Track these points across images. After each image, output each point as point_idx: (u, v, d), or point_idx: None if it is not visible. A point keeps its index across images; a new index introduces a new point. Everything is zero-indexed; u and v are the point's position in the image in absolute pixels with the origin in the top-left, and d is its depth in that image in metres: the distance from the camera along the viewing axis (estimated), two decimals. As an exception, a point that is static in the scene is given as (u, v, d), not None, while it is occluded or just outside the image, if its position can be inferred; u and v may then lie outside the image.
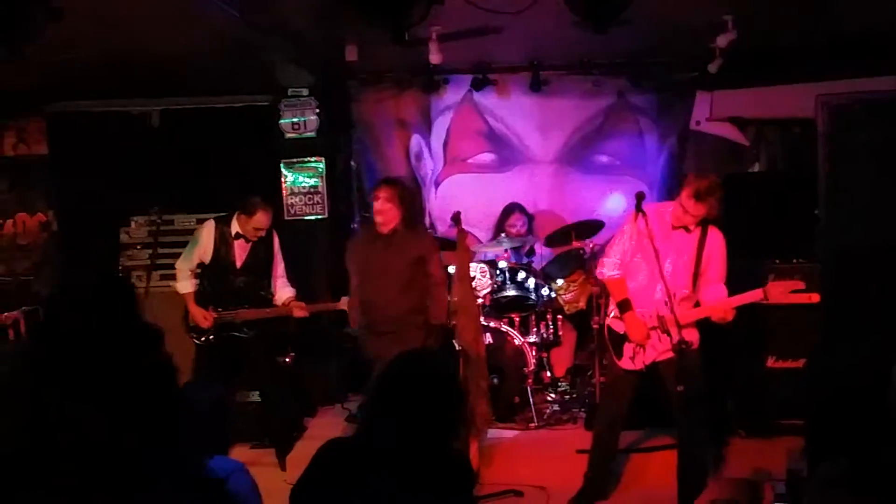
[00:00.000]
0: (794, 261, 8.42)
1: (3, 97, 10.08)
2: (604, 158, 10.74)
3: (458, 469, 3.78)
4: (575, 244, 9.78)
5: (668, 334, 6.47)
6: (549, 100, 10.59)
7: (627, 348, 6.82)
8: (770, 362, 8.35)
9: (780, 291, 6.51)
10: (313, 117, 10.29)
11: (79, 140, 10.47)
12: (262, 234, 8.45)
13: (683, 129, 10.52)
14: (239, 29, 7.51)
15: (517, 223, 10.09)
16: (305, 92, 10.30)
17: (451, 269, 8.23)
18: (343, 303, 8.03)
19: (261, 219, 8.36)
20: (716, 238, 6.80)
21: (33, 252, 10.58)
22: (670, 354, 6.45)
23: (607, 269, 6.92)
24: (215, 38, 7.84)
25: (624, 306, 6.77)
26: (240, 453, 5.79)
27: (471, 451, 6.93)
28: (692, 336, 6.67)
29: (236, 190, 9.28)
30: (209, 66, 9.10)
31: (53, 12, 5.94)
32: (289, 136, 10.35)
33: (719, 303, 6.62)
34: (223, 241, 8.47)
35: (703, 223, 6.75)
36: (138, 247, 9.90)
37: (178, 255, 9.17)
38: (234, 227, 8.44)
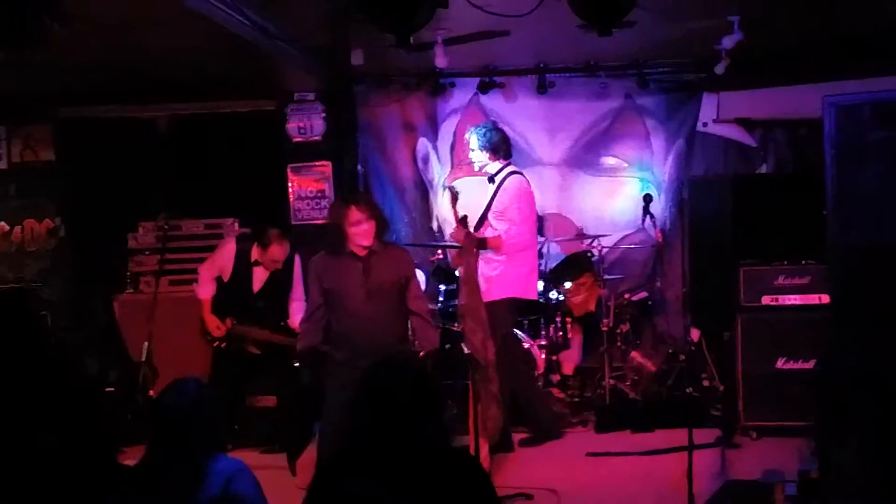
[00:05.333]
0: (803, 262, 8.42)
1: (11, 104, 10.11)
2: (611, 160, 10.70)
3: (468, 468, 3.80)
4: (583, 247, 9.79)
5: None
6: (556, 102, 10.57)
7: None
8: (780, 363, 8.33)
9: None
10: (319, 121, 10.28)
11: (86, 146, 10.51)
12: (280, 266, 8.52)
13: (690, 131, 10.48)
14: (246, 34, 7.52)
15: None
16: (311, 96, 10.30)
17: (459, 272, 8.25)
18: None
19: (276, 251, 8.45)
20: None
21: (41, 258, 10.59)
22: None
23: None
24: (222, 43, 7.84)
25: None
26: (250, 457, 5.78)
27: (481, 455, 6.92)
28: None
29: (243, 195, 9.30)
30: (216, 71, 9.14)
31: (61, 18, 5.94)
32: (295, 140, 10.34)
33: None
34: (242, 264, 8.56)
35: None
36: (146, 252, 9.90)
37: (186, 260, 9.25)
38: (254, 255, 8.49)
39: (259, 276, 8.63)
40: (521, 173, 8.60)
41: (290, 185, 10.42)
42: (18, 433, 2.55)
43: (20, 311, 3.04)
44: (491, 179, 8.52)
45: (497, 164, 8.48)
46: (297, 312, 8.54)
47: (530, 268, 8.44)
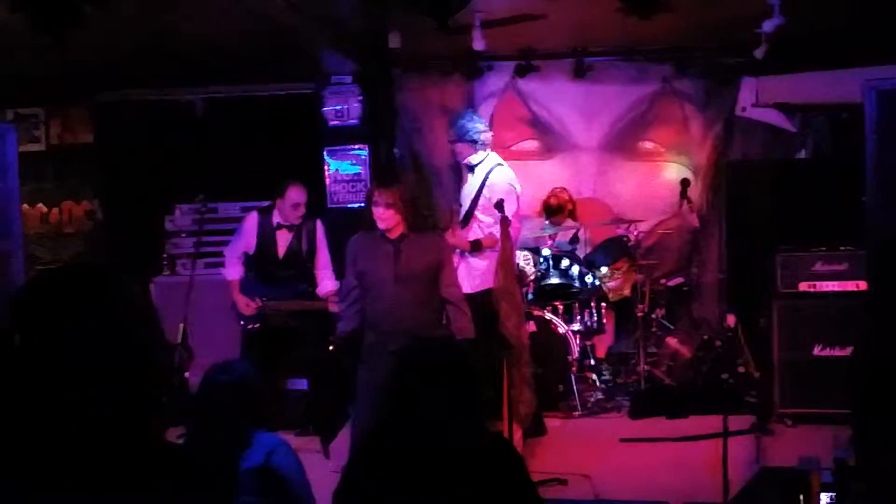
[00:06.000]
0: (841, 248, 8.36)
1: (49, 86, 10.19)
2: (648, 145, 10.65)
3: (502, 452, 3.79)
4: (619, 231, 9.76)
5: None
6: (593, 86, 10.51)
7: None
8: (817, 350, 8.29)
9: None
10: (356, 105, 10.27)
11: (124, 129, 10.60)
12: (303, 210, 8.56)
13: (729, 116, 10.41)
14: (283, 16, 7.52)
15: (556, 190, 10.08)
16: (349, 80, 10.28)
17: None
18: None
19: (293, 194, 8.48)
20: None
21: (79, 240, 10.67)
22: None
23: None
24: (260, 26, 7.86)
25: None
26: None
27: (514, 439, 6.91)
28: None
29: (280, 177, 9.31)
30: (253, 54, 9.17)
31: (99, 1, 5.97)
32: (332, 123, 10.33)
33: None
34: (266, 232, 8.59)
35: None
36: (183, 235, 9.96)
37: (223, 243, 9.26)
38: (276, 218, 8.54)
39: (283, 241, 8.65)
40: (504, 164, 8.41)
41: (326, 168, 10.43)
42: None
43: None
44: (471, 170, 8.41)
45: (479, 155, 8.32)
46: (323, 279, 8.62)
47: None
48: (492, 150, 8.43)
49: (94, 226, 10.78)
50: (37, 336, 2.51)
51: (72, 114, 10.71)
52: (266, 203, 9.49)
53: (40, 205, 10.74)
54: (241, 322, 8.58)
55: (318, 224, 8.73)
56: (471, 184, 8.40)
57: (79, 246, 10.68)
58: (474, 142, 8.23)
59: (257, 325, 8.53)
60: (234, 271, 8.67)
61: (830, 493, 5.26)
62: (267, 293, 8.53)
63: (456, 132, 8.32)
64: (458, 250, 8.01)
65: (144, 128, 10.47)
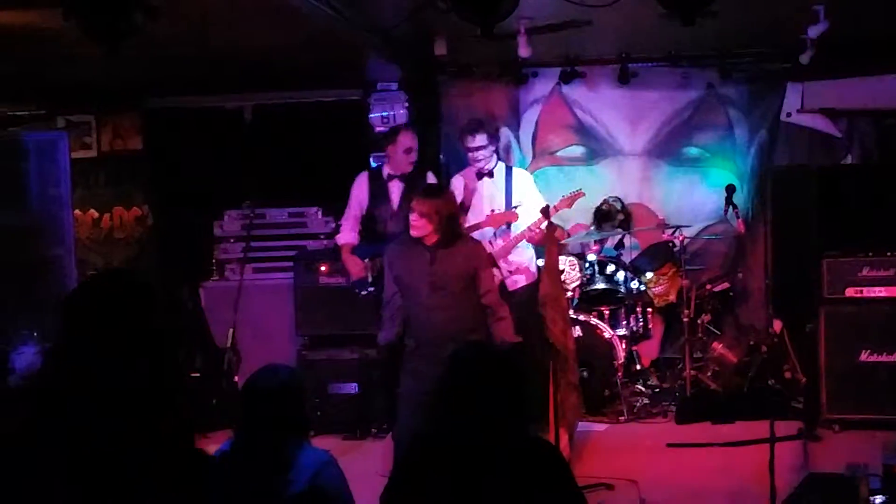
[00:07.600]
0: (888, 254, 8.33)
1: (100, 94, 10.38)
2: (693, 151, 10.62)
3: (548, 457, 3.82)
4: (665, 237, 9.75)
5: None
6: (638, 92, 10.50)
7: None
8: (863, 356, 8.25)
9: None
10: (402, 111, 10.29)
11: (173, 135, 10.77)
12: (415, 156, 8.56)
13: (774, 121, 10.38)
14: (330, 24, 7.58)
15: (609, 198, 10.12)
16: (395, 86, 10.32)
17: (541, 262, 8.25)
18: None
19: (405, 139, 8.50)
20: None
21: (129, 246, 10.82)
22: None
23: None
24: (307, 33, 7.92)
25: None
26: (330, 444, 5.84)
27: (561, 444, 6.93)
28: None
29: (326, 183, 9.39)
30: (300, 61, 9.24)
31: (151, 11, 6.05)
32: (378, 129, 10.36)
33: None
34: (377, 187, 8.58)
35: None
36: (231, 240, 10.02)
37: (270, 248, 9.35)
38: (387, 170, 8.57)
39: (396, 191, 8.58)
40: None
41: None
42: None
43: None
44: (490, 174, 8.60)
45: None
46: None
47: None
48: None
49: (144, 231, 10.95)
50: (80, 337, 2.60)
51: (122, 121, 10.87)
52: (313, 207, 9.58)
53: (92, 210, 10.92)
54: (356, 290, 8.52)
55: (430, 173, 8.75)
56: (494, 187, 8.55)
57: (129, 251, 10.82)
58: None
59: (371, 290, 8.42)
60: (343, 236, 8.64)
61: (882, 497, 5.27)
62: (380, 251, 8.09)
63: (485, 140, 8.43)
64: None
65: (193, 134, 10.64)
